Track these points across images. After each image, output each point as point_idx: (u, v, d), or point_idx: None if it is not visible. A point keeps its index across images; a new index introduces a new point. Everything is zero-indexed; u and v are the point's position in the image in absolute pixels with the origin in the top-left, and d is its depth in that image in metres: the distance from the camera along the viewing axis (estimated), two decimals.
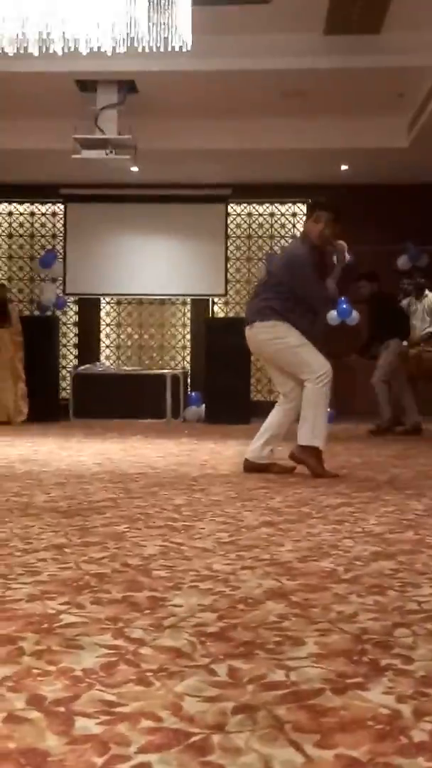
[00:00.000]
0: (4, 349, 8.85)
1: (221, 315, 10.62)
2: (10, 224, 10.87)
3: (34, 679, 1.33)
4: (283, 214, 10.68)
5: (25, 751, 1.07)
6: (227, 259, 10.53)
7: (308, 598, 1.85)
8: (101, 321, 10.90)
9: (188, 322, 10.80)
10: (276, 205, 10.64)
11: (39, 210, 10.86)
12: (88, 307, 10.80)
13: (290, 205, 10.60)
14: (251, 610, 1.75)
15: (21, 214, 10.86)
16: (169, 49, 6.19)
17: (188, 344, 10.81)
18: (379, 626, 1.65)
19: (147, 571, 2.10)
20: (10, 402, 8.80)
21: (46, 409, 9.03)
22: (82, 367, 10.11)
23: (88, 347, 10.76)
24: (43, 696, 1.26)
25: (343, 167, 9.43)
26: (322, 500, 3.44)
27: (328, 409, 4.58)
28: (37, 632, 1.58)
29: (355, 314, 9.56)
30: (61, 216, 10.69)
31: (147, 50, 6.13)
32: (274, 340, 4.44)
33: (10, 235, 10.88)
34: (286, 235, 10.66)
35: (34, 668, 1.38)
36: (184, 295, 10.57)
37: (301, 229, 4.69)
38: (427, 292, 8.56)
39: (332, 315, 9.48)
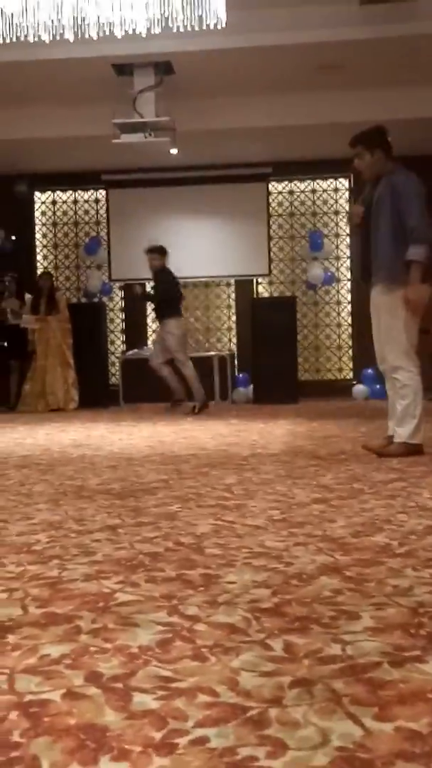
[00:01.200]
0: (53, 337, 8.95)
1: (266, 295, 10.56)
2: (54, 212, 10.95)
3: (91, 657, 1.35)
4: (325, 190, 10.54)
5: (85, 727, 1.08)
6: (270, 238, 10.44)
7: (362, 573, 1.84)
8: (147, 305, 10.92)
9: (233, 303, 10.77)
10: (318, 181, 10.50)
11: (82, 197, 10.90)
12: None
13: (332, 180, 10.45)
14: (305, 586, 1.74)
15: (64, 202, 10.92)
16: (204, 27, 6.15)
17: (234, 325, 10.77)
18: None
19: (200, 549, 2.10)
20: (60, 390, 8.91)
21: (96, 395, 9.11)
22: (130, 353, 10.16)
23: (136, 332, 10.81)
24: (101, 673, 1.27)
25: None
26: (373, 476, 3.41)
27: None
28: (93, 611, 1.59)
29: None
30: (104, 202, 10.72)
31: (182, 29, 6.10)
32: None
33: (54, 224, 10.95)
34: (329, 211, 10.52)
35: (91, 646, 1.40)
36: (227, 276, 10.53)
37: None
38: None
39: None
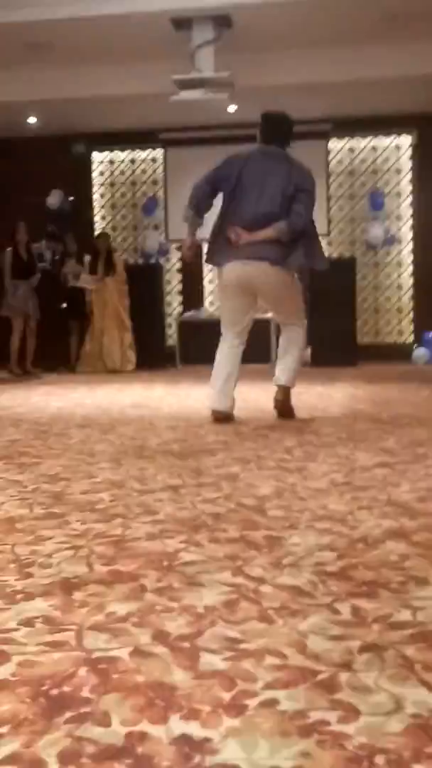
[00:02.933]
0: (110, 299, 8.98)
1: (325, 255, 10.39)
2: (112, 172, 10.92)
3: (157, 616, 1.34)
4: (386, 148, 10.27)
5: (153, 685, 1.08)
6: (329, 197, 10.24)
7: (430, 538, 1.80)
8: (204, 266, 10.87)
9: None
10: (380, 137, 10.23)
11: (139, 156, 10.83)
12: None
13: (395, 137, 10.17)
14: (371, 550, 1.71)
15: (122, 161, 10.88)
16: None
17: None
18: None
19: (262, 511, 2.09)
20: (116, 351, 8.96)
21: (153, 356, 9.15)
22: (187, 314, 10.15)
23: (192, 293, 10.77)
24: (168, 632, 1.27)
25: None
26: None
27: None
28: (158, 570, 1.59)
29: None
30: (161, 161, 10.64)
31: None
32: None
33: (112, 184, 10.93)
34: (390, 169, 10.26)
35: (157, 605, 1.39)
36: None
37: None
38: None
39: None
